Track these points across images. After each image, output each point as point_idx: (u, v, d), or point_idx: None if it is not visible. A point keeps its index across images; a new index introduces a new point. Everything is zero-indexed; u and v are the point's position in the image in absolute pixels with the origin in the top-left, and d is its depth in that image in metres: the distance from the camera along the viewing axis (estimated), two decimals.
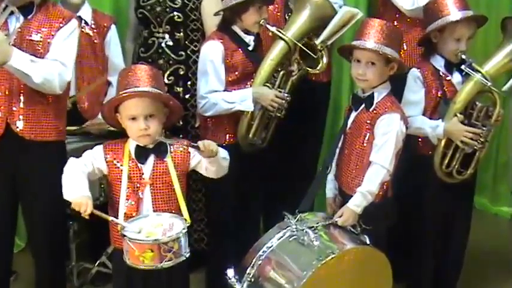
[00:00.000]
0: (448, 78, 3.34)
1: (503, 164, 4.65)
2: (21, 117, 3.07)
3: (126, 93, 2.85)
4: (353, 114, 3.15)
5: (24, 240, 3.84)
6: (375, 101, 3.08)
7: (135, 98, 2.85)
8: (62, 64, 3.03)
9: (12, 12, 3.00)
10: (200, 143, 2.84)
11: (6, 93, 3.04)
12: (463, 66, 3.26)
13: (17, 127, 3.06)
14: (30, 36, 3.03)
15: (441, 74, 3.34)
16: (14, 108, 3.06)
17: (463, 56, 3.28)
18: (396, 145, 3.02)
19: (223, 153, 2.96)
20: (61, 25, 3.07)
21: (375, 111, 3.06)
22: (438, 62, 3.35)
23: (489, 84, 3.22)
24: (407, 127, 3.12)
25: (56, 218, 3.22)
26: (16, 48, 2.93)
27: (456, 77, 3.34)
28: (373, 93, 3.09)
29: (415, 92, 3.30)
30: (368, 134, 3.05)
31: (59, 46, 3.05)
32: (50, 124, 3.13)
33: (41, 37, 3.04)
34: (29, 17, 3.05)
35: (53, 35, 3.05)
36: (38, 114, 3.09)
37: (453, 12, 3.27)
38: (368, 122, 3.06)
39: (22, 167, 3.12)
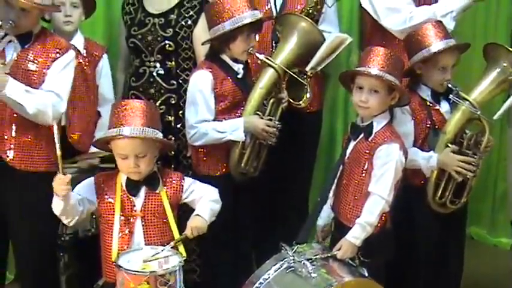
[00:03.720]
0: (436, 107, 3.39)
1: (501, 194, 4.68)
2: (12, 146, 3.09)
3: (116, 133, 2.87)
4: (352, 144, 3.17)
5: (13, 273, 3.80)
6: (374, 131, 3.10)
7: (126, 139, 2.86)
8: (57, 95, 3.06)
9: (10, 41, 3.03)
10: (188, 231, 2.90)
11: None
12: (450, 96, 3.31)
13: (8, 156, 3.09)
14: (26, 65, 3.07)
15: (429, 104, 3.38)
16: (6, 137, 3.08)
17: (449, 85, 3.32)
18: (395, 176, 3.03)
19: (215, 197, 3.01)
20: (57, 56, 3.11)
21: (374, 141, 3.08)
22: (424, 92, 3.40)
23: (478, 112, 3.26)
24: (407, 158, 3.13)
25: (45, 249, 3.22)
26: (11, 77, 2.96)
27: (444, 106, 3.39)
28: (372, 122, 3.11)
29: (405, 123, 3.33)
30: (367, 164, 3.07)
31: (55, 77, 3.09)
32: (42, 154, 3.15)
33: (37, 67, 3.08)
34: (27, 46, 3.09)
35: (48, 66, 3.09)
36: (29, 144, 3.12)
37: (435, 43, 3.32)
38: (367, 151, 3.08)
39: (12, 196, 3.14)
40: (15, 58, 3.04)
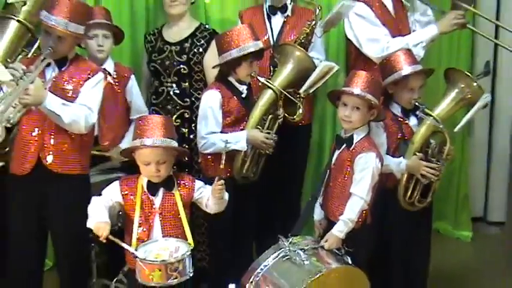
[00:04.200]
0: (405, 121, 3.37)
1: (463, 195, 4.66)
2: (51, 152, 3.08)
3: (141, 144, 2.89)
4: (336, 153, 3.18)
5: (52, 260, 3.79)
6: (355, 141, 3.10)
7: (149, 149, 2.88)
8: (89, 108, 3.06)
9: (49, 64, 3.04)
10: (221, 180, 2.93)
11: (39, 131, 3.07)
12: (417, 112, 3.31)
13: (47, 161, 3.08)
14: (63, 85, 3.07)
15: (399, 118, 3.37)
16: (45, 145, 3.07)
17: (417, 103, 3.32)
18: (372, 179, 3.04)
19: (226, 196, 3.01)
20: (89, 76, 3.11)
21: (354, 150, 3.09)
22: (396, 109, 3.38)
23: (440, 126, 3.27)
24: (382, 164, 3.13)
25: (79, 242, 3.20)
26: (50, 92, 2.97)
27: (412, 120, 3.38)
28: (353, 134, 3.12)
29: (378, 135, 3.30)
30: (349, 170, 3.08)
31: (87, 93, 3.08)
32: (75, 159, 3.14)
33: (72, 86, 3.08)
34: (63, 68, 3.10)
35: (81, 84, 3.09)
36: (65, 150, 3.10)
37: (405, 67, 3.32)
38: (348, 159, 3.09)
39: (49, 196, 3.12)
40: (54, 79, 3.05)
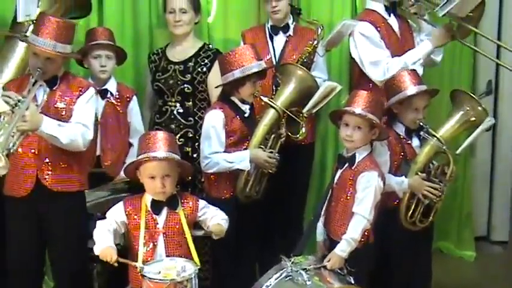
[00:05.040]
0: (408, 142, 3.39)
1: (466, 215, 4.65)
2: (49, 172, 3.10)
3: (148, 157, 2.90)
4: (338, 172, 3.18)
5: (52, 280, 3.77)
6: (357, 160, 3.12)
7: (154, 161, 2.89)
8: (84, 126, 3.08)
9: (40, 85, 3.05)
10: (214, 229, 2.96)
11: (36, 152, 3.08)
12: (421, 132, 3.33)
13: (46, 181, 3.09)
14: (56, 104, 3.09)
15: (402, 138, 3.39)
16: (43, 166, 3.09)
17: (421, 123, 3.34)
18: (375, 198, 3.05)
19: (225, 217, 3.04)
20: (80, 93, 3.13)
21: (356, 169, 3.10)
22: (399, 129, 3.40)
23: (444, 146, 3.28)
24: (384, 183, 3.14)
25: (79, 258, 3.21)
26: (44, 114, 2.98)
27: (415, 141, 3.40)
28: (355, 153, 3.13)
29: (382, 154, 3.32)
30: (351, 189, 3.08)
31: (80, 111, 3.10)
32: (74, 177, 3.16)
33: (65, 104, 3.10)
34: (54, 88, 3.11)
35: (74, 102, 3.11)
36: (63, 169, 3.12)
37: (410, 88, 3.34)
38: (351, 178, 3.09)
39: (48, 213, 3.14)
40: (46, 99, 3.06)
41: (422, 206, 3.32)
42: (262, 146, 3.42)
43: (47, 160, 3.08)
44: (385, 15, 3.73)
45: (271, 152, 3.42)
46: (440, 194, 3.30)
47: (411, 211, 3.33)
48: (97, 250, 2.87)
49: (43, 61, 3.02)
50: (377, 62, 3.64)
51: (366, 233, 3.08)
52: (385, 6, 3.74)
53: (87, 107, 3.13)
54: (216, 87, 3.48)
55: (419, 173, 3.29)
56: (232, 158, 3.34)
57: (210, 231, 2.98)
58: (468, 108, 3.41)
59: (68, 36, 3.06)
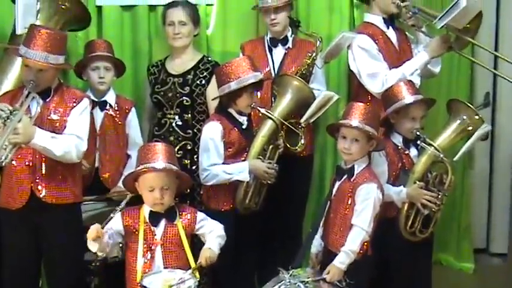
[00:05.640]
0: (406, 152, 3.40)
1: (465, 226, 4.65)
2: (44, 184, 3.10)
3: (147, 168, 2.90)
4: (337, 184, 3.19)
5: None
6: (355, 172, 3.12)
7: (153, 172, 2.89)
8: (78, 137, 3.08)
9: (33, 97, 3.05)
10: (202, 260, 2.90)
11: (30, 165, 3.09)
12: (418, 142, 3.34)
13: (41, 193, 3.09)
14: (49, 115, 3.09)
15: (400, 148, 3.40)
16: (37, 178, 3.09)
17: (418, 133, 3.35)
18: (374, 210, 3.05)
19: (221, 233, 3.02)
20: (74, 104, 3.13)
21: (355, 181, 3.10)
22: (397, 139, 3.42)
23: (441, 155, 3.30)
24: (383, 195, 3.15)
25: (74, 271, 3.20)
26: (38, 127, 2.98)
27: (413, 151, 3.41)
28: (354, 165, 3.14)
29: (380, 164, 3.34)
30: (350, 201, 3.09)
31: (74, 122, 3.11)
32: (68, 189, 3.16)
33: (58, 116, 3.10)
34: (47, 99, 3.11)
35: (68, 114, 3.11)
36: (58, 181, 3.12)
37: (407, 97, 3.36)
38: (350, 190, 3.10)
39: (43, 225, 3.13)
40: (39, 111, 3.06)
41: (422, 216, 3.32)
42: (260, 157, 3.43)
43: (42, 172, 3.09)
44: (384, 27, 3.76)
45: (269, 163, 3.43)
46: (439, 203, 3.30)
47: (410, 221, 3.33)
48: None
49: (35, 73, 3.02)
50: (375, 74, 3.65)
51: (365, 245, 3.08)
52: (383, 18, 3.77)
53: (81, 119, 3.13)
54: (213, 99, 3.50)
55: (417, 183, 3.30)
56: (231, 170, 3.35)
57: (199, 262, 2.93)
58: (465, 117, 3.43)
59: (59, 47, 3.06)
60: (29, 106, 3.04)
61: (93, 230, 2.77)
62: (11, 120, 2.88)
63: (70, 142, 3.04)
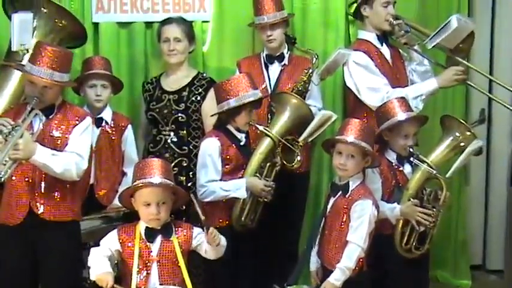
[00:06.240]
0: (400, 169, 3.42)
1: (461, 242, 4.66)
2: (42, 201, 3.11)
3: (143, 183, 2.91)
4: (332, 200, 3.20)
5: None
6: (350, 189, 3.14)
7: (150, 187, 2.90)
8: (79, 155, 3.09)
9: (36, 114, 3.07)
10: (211, 229, 2.92)
11: (29, 181, 3.10)
12: (411, 158, 3.36)
13: (39, 210, 3.10)
14: (51, 132, 3.11)
15: (394, 165, 3.42)
16: (36, 194, 3.10)
17: (411, 150, 3.37)
18: (369, 227, 3.07)
19: (223, 241, 3.02)
20: (77, 122, 3.15)
21: (350, 197, 3.12)
22: (391, 156, 3.43)
23: (434, 172, 3.32)
24: (378, 211, 3.16)
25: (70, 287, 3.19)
26: (39, 143, 3.00)
27: (407, 168, 3.43)
28: (348, 181, 3.15)
29: (374, 182, 3.36)
30: (345, 217, 3.10)
31: (76, 140, 3.12)
32: (67, 207, 3.17)
33: (60, 133, 3.12)
34: (50, 116, 3.13)
35: (70, 131, 3.13)
36: (56, 198, 3.13)
37: (399, 114, 3.38)
38: (345, 206, 3.12)
39: (41, 242, 3.13)
40: (41, 128, 3.08)
41: (417, 232, 3.33)
42: (257, 175, 3.44)
43: (41, 189, 3.10)
44: (377, 44, 3.81)
45: (266, 180, 3.44)
46: (434, 219, 3.31)
47: (406, 238, 3.34)
48: (93, 275, 2.87)
49: (40, 89, 3.06)
50: (375, 88, 3.68)
51: (360, 261, 3.09)
52: (376, 35, 3.81)
53: (83, 137, 3.15)
54: (212, 115, 3.51)
55: (411, 199, 3.32)
56: (228, 187, 3.36)
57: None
58: (458, 134, 3.46)
59: (64, 65, 3.10)
60: (31, 122, 3.07)
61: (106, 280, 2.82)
62: (13, 136, 2.90)
63: (70, 160, 3.06)
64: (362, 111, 3.75)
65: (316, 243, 3.21)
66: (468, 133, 3.45)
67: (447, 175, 3.40)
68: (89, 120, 3.20)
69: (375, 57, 3.76)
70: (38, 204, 3.10)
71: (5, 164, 2.90)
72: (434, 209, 3.32)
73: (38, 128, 3.08)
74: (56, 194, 3.12)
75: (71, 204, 3.18)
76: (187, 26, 3.88)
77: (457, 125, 3.48)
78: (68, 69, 3.14)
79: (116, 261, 3.07)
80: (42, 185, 3.09)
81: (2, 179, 2.91)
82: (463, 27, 3.57)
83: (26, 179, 3.09)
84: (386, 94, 3.65)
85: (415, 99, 3.64)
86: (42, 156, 2.98)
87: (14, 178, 3.07)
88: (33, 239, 3.12)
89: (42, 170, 3.04)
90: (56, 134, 3.11)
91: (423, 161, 3.34)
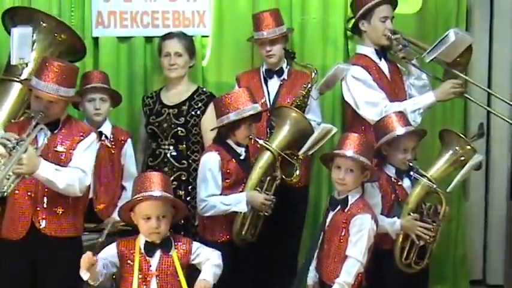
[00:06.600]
0: (399, 183, 3.42)
1: (461, 256, 4.66)
2: (44, 216, 3.11)
3: (143, 196, 2.91)
4: (330, 214, 3.20)
5: None
6: (349, 203, 3.14)
7: (150, 201, 2.91)
8: (82, 171, 3.10)
9: (41, 128, 3.09)
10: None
11: (32, 196, 3.10)
12: (411, 173, 3.37)
13: (41, 225, 3.10)
14: (56, 147, 3.12)
15: (393, 180, 3.42)
16: (38, 209, 3.10)
17: (411, 164, 3.38)
18: (368, 241, 3.06)
19: (217, 262, 3.00)
20: (81, 138, 3.16)
21: (349, 212, 3.12)
22: (390, 170, 3.43)
23: (435, 186, 3.33)
24: (377, 226, 3.16)
25: None
26: (43, 158, 3.01)
27: (406, 182, 3.43)
28: (347, 196, 3.16)
29: (374, 196, 3.35)
30: (344, 232, 3.09)
31: (80, 156, 3.13)
32: (69, 222, 3.17)
33: (65, 148, 3.12)
34: (55, 131, 3.14)
35: (74, 147, 3.13)
36: (59, 214, 3.13)
37: (398, 128, 3.39)
38: (344, 221, 3.11)
39: (42, 258, 3.13)
40: (46, 142, 3.09)
41: (417, 247, 3.33)
42: (258, 189, 3.44)
43: (43, 204, 3.10)
44: (376, 58, 3.83)
45: (267, 194, 3.44)
46: (433, 234, 3.31)
47: (406, 253, 3.34)
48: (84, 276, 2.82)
49: (45, 104, 3.07)
50: (374, 103, 3.69)
51: (359, 276, 3.08)
52: (375, 50, 3.83)
53: (87, 153, 3.16)
54: (212, 129, 3.52)
55: (411, 214, 3.32)
56: (229, 201, 3.37)
57: None
58: (457, 148, 3.46)
59: (70, 80, 3.13)
60: (36, 137, 3.08)
61: (85, 258, 2.77)
62: (17, 150, 2.91)
63: (74, 175, 3.07)
64: (360, 125, 3.77)
65: (315, 257, 3.21)
66: (468, 147, 3.46)
67: (448, 190, 3.40)
68: (93, 136, 3.22)
69: (373, 72, 3.78)
70: (39, 218, 3.10)
71: (8, 179, 2.91)
72: (434, 224, 3.32)
73: (43, 142, 3.10)
74: (58, 209, 3.13)
75: (73, 220, 3.18)
76: (188, 41, 3.91)
77: (456, 139, 3.49)
78: (73, 84, 3.16)
79: (113, 275, 3.07)
80: (45, 199, 3.10)
81: (5, 194, 2.92)
82: (460, 41, 3.60)
83: (29, 194, 3.10)
84: (384, 108, 3.65)
85: (413, 113, 3.64)
86: (46, 171, 2.99)
87: (17, 192, 3.08)
88: (34, 254, 3.12)
89: (45, 185, 3.05)
90: (61, 149, 3.12)
91: (423, 175, 3.34)
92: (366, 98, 3.72)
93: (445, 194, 3.36)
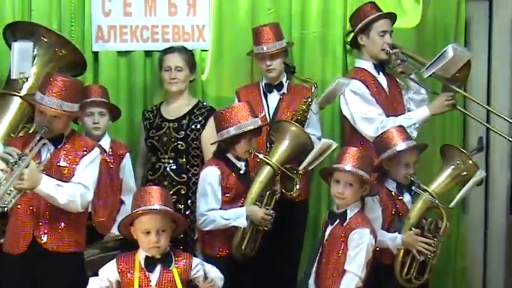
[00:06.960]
0: (400, 198, 3.43)
1: (461, 270, 4.66)
2: (46, 231, 3.11)
3: (143, 210, 2.91)
4: (329, 228, 3.21)
5: None
6: (348, 217, 3.15)
7: (149, 215, 2.92)
8: (84, 186, 3.11)
9: (44, 143, 3.10)
10: (209, 278, 2.94)
11: (34, 210, 3.11)
12: (413, 187, 3.38)
13: (42, 240, 3.11)
14: (59, 162, 3.13)
15: (394, 194, 3.43)
16: (40, 224, 3.11)
17: (412, 179, 3.39)
18: (367, 255, 3.07)
19: (219, 275, 3.04)
20: (85, 153, 3.17)
21: (348, 226, 3.13)
22: (391, 185, 3.45)
23: (436, 201, 3.34)
24: (376, 240, 3.17)
25: None
26: (45, 173, 3.01)
27: (406, 197, 3.44)
28: (346, 210, 3.17)
29: (374, 210, 3.36)
30: (342, 246, 3.10)
31: (82, 171, 3.14)
32: (71, 238, 3.17)
33: (68, 163, 3.13)
34: (59, 146, 3.15)
35: (77, 162, 3.14)
36: (60, 229, 3.14)
37: (399, 144, 3.40)
38: (342, 235, 3.12)
39: (43, 273, 3.13)
40: (49, 157, 3.10)
41: (418, 262, 3.34)
42: (258, 203, 3.45)
43: (45, 218, 3.11)
44: (374, 73, 3.85)
45: (267, 209, 3.45)
46: (434, 249, 3.32)
47: (406, 268, 3.34)
48: None
49: (49, 119, 3.09)
50: (370, 118, 3.71)
51: None
52: (373, 64, 3.86)
53: (90, 168, 3.17)
54: (212, 143, 3.53)
55: (413, 229, 3.32)
56: (228, 215, 3.37)
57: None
58: (458, 163, 3.48)
59: (74, 95, 3.14)
60: (39, 151, 3.10)
61: None
62: (18, 166, 2.92)
63: (75, 191, 3.08)
64: (358, 140, 3.78)
65: (313, 271, 3.21)
66: (470, 162, 3.47)
67: (450, 205, 3.42)
68: (96, 151, 3.23)
69: (371, 86, 3.80)
70: (41, 233, 3.11)
71: (9, 194, 2.92)
72: (435, 239, 3.33)
73: (46, 157, 3.11)
74: (60, 224, 3.13)
75: (75, 235, 3.19)
76: (189, 55, 3.94)
77: (458, 155, 3.51)
78: (77, 99, 3.17)
79: None
80: (47, 214, 3.11)
81: (6, 209, 2.93)
82: (459, 57, 3.62)
83: (31, 208, 3.11)
84: (380, 124, 3.67)
85: (408, 128, 3.64)
86: (47, 186, 3.00)
87: (19, 206, 3.09)
88: (35, 269, 3.12)
89: (47, 200, 3.05)
90: (63, 163, 3.13)
91: (425, 190, 3.36)
92: (362, 113, 3.74)
93: (447, 209, 3.37)
